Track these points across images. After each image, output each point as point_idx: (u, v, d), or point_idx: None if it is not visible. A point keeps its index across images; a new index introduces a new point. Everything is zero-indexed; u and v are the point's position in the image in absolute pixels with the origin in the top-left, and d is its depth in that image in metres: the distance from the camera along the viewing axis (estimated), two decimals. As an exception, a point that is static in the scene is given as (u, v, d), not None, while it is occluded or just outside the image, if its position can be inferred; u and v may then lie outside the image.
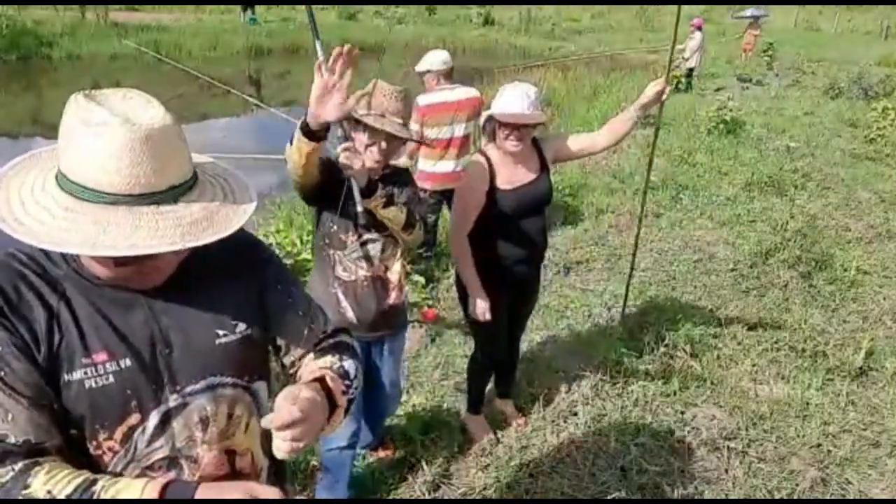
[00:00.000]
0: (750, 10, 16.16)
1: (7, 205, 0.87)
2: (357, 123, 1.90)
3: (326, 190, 1.87)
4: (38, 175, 0.92)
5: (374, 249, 2.04)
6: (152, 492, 0.86)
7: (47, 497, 0.82)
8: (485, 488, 2.54)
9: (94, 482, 0.86)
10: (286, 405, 0.87)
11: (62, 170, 0.87)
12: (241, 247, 1.12)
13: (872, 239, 5.37)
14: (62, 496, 0.83)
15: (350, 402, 1.06)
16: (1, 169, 0.94)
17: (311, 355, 1.17)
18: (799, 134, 8.85)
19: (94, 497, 0.85)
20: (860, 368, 3.41)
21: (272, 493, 0.90)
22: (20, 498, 0.83)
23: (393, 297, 2.14)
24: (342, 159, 1.79)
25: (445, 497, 2.51)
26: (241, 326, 1.07)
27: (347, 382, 1.07)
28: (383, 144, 1.92)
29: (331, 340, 1.19)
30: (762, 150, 7.87)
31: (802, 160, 7.47)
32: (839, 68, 15.00)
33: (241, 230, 1.08)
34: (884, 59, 17.33)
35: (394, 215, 1.97)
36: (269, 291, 1.13)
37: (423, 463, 2.60)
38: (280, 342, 1.17)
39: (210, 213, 0.91)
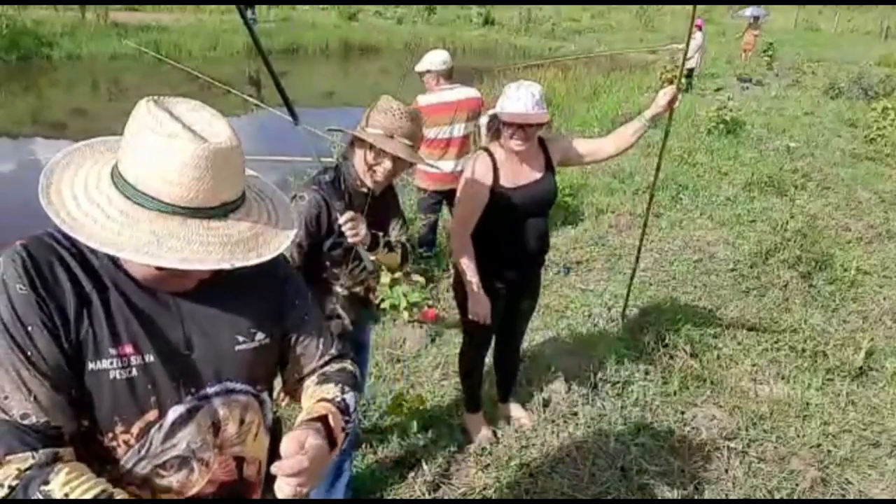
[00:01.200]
0: (750, 10, 16.15)
1: (59, 198, 0.88)
2: (362, 141, 1.82)
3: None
4: (91, 168, 0.93)
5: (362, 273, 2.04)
6: None
7: (63, 499, 0.82)
8: (485, 488, 2.54)
9: (112, 496, 0.86)
10: (295, 453, 0.89)
11: (122, 171, 0.88)
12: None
13: (872, 239, 5.37)
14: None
15: (346, 435, 1.08)
16: (54, 157, 0.94)
17: (315, 377, 1.18)
18: (799, 134, 8.85)
19: None
20: (860, 368, 3.41)
21: None
22: (39, 493, 0.82)
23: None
24: (346, 230, 1.78)
25: (445, 497, 2.51)
26: (260, 335, 1.09)
27: (346, 418, 1.09)
28: (388, 164, 1.81)
29: (335, 365, 1.21)
30: (762, 150, 7.87)
31: (802, 160, 7.47)
32: (839, 68, 15.02)
33: None
34: (884, 59, 17.35)
35: (392, 259, 2.02)
36: (287, 307, 1.16)
37: (423, 463, 2.60)
38: (289, 357, 1.19)
39: (255, 234, 0.93)
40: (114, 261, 0.96)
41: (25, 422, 0.85)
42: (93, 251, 0.95)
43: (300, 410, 1.12)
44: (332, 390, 1.13)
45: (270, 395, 1.18)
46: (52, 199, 0.87)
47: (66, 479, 0.83)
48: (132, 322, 0.96)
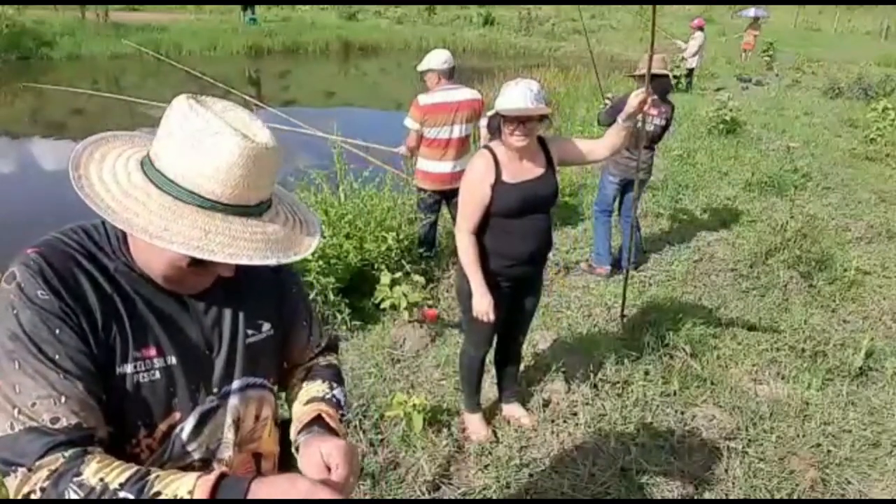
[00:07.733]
0: (753, 10, 16.16)
1: (93, 190, 0.85)
2: None
3: None
4: (117, 161, 0.91)
5: None
6: (203, 490, 0.81)
7: (99, 485, 0.80)
8: (485, 488, 2.53)
9: (147, 473, 0.83)
10: (322, 472, 0.94)
11: (159, 167, 0.87)
12: None
13: (872, 239, 5.37)
14: (115, 485, 0.80)
15: (344, 425, 1.13)
16: (77, 148, 0.91)
17: (301, 371, 1.21)
18: (799, 134, 8.85)
19: (147, 487, 0.81)
20: (860, 368, 3.40)
21: (329, 492, 0.84)
22: (72, 484, 0.80)
23: None
24: None
25: (445, 497, 2.51)
26: (266, 326, 1.10)
27: (341, 412, 1.13)
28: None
29: (322, 360, 1.24)
30: (762, 150, 7.87)
31: (802, 160, 7.46)
32: (839, 68, 15.01)
33: None
34: (884, 59, 17.35)
35: None
36: (286, 294, 1.17)
37: (423, 463, 2.60)
38: (283, 345, 1.19)
39: (288, 233, 0.94)
40: (127, 263, 0.95)
41: (56, 426, 0.83)
42: (105, 253, 0.94)
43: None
44: (320, 388, 1.15)
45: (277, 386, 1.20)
46: (88, 192, 0.85)
47: (99, 467, 0.82)
48: (154, 324, 0.95)
